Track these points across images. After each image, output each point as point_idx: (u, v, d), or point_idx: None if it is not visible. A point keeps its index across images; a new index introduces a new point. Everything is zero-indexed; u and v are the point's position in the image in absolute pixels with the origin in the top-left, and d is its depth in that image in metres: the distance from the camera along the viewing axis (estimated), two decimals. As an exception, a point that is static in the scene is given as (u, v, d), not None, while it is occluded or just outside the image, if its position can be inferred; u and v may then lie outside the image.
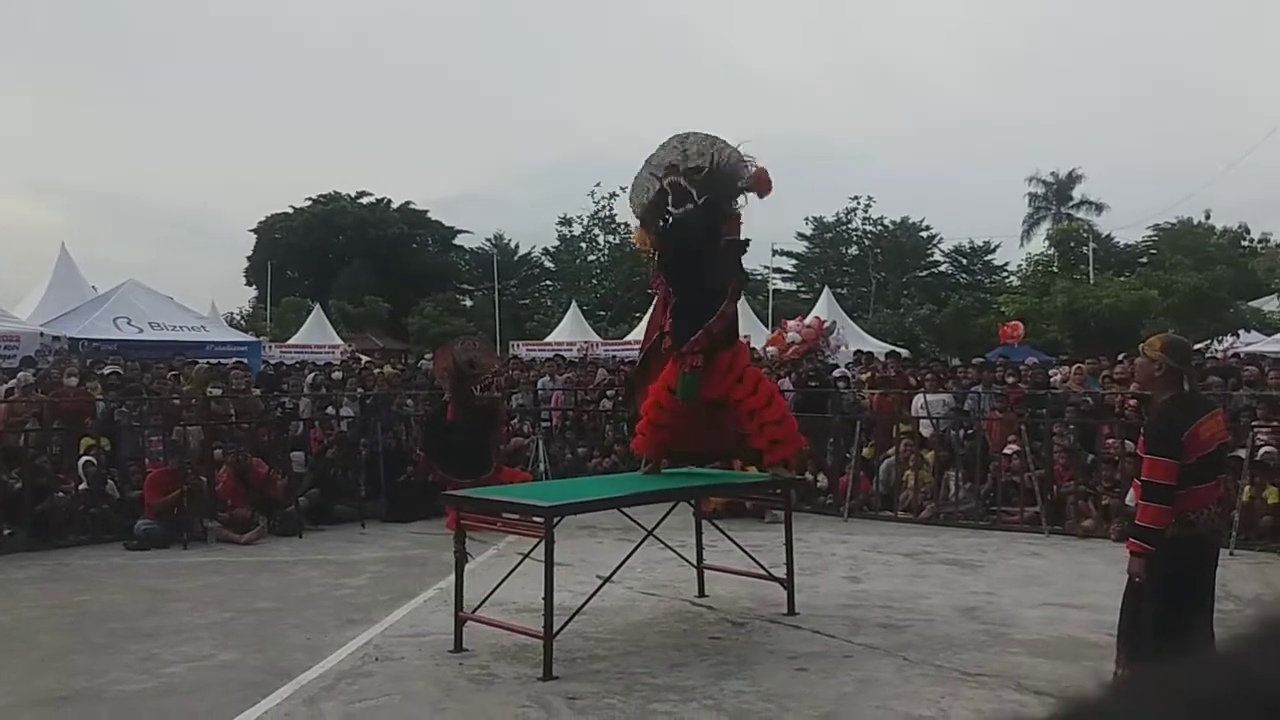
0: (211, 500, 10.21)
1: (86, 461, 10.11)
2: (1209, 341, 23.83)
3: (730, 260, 6.82)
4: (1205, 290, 25.27)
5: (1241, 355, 17.20)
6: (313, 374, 15.34)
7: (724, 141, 6.81)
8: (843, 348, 18.57)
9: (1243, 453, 9.11)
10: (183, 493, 9.81)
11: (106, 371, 12.59)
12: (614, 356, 22.34)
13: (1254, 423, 9.66)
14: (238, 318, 42.19)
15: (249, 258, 51.01)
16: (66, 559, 9.08)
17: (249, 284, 51.14)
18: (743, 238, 6.86)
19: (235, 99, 77.18)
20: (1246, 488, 9.05)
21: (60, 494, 9.85)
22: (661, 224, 6.79)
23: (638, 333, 29.67)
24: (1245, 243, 42.43)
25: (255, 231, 51.09)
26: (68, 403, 10.87)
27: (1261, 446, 9.38)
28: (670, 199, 6.72)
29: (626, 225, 48.20)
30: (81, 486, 9.95)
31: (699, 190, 6.63)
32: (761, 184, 6.72)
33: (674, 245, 6.84)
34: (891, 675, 5.47)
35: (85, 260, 23.33)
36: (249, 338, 23.65)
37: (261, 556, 9.23)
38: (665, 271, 6.92)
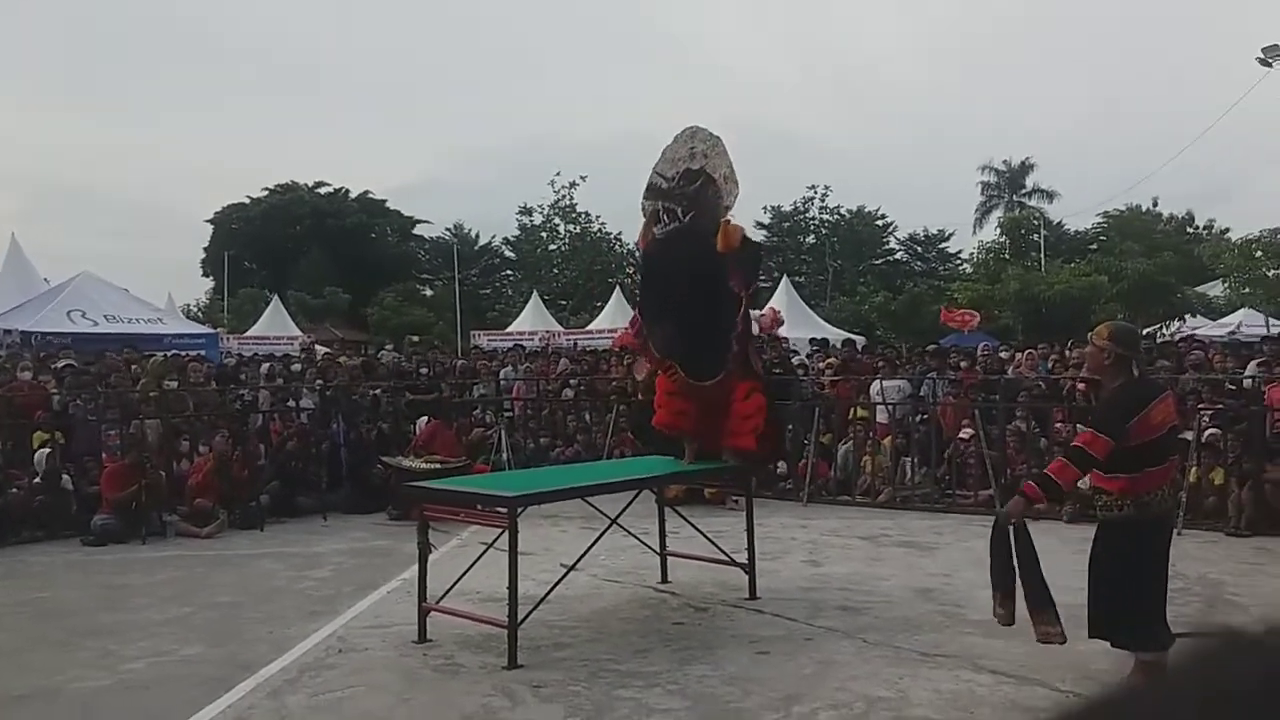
0: (171, 494, 10.12)
1: (45, 455, 9.97)
2: (1158, 326, 24.33)
3: (737, 270, 6.74)
4: (1153, 276, 25.78)
5: (1190, 339, 17.58)
6: (268, 365, 15.22)
7: (724, 148, 6.84)
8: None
9: (1189, 435, 9.35)
10: (141, 487, 9.70)
11: (60, 365, 12.38)
12: (575, 345, 22.36)
13: (1200, 405, 9.91)
14: (195, 310, 41.55)
15: (205, 249, 50.33)
16: (22, 556, 8.95)
17: (206, 275, 50.45)
18: (740, 239, 6.76)
19: (190, 88, 75.91)
20: (1194, 469, 9.30)
21: (15, 490, 9.70)
22: (643, 252, 6.89)
23: (599, 321, 29.73)
24: (1191, 230, 43.36)
25: (212, 222, 50.38)
26: (22, 397, 10.70)
27: (1207, 429, 9.62)
28: (659, 220, 6.75)
29: (587, 214, 48.29)
30: (36, 480, 9.80)
31: (687, 206, 6.64)
32: (730, 238, 6.65)
33: (661, 270, 6.90)
34: (851, 657, 5.58)
35: (37, 252, 22.81)
36: (207, 330, 23.28)
37: (222, 550, 9.16)
38: (654, 298, 6.93)
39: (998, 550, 5.04)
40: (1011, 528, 5.00)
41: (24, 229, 44.58)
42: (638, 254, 7.39)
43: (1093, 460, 4.81)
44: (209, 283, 49.51)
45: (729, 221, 6.80)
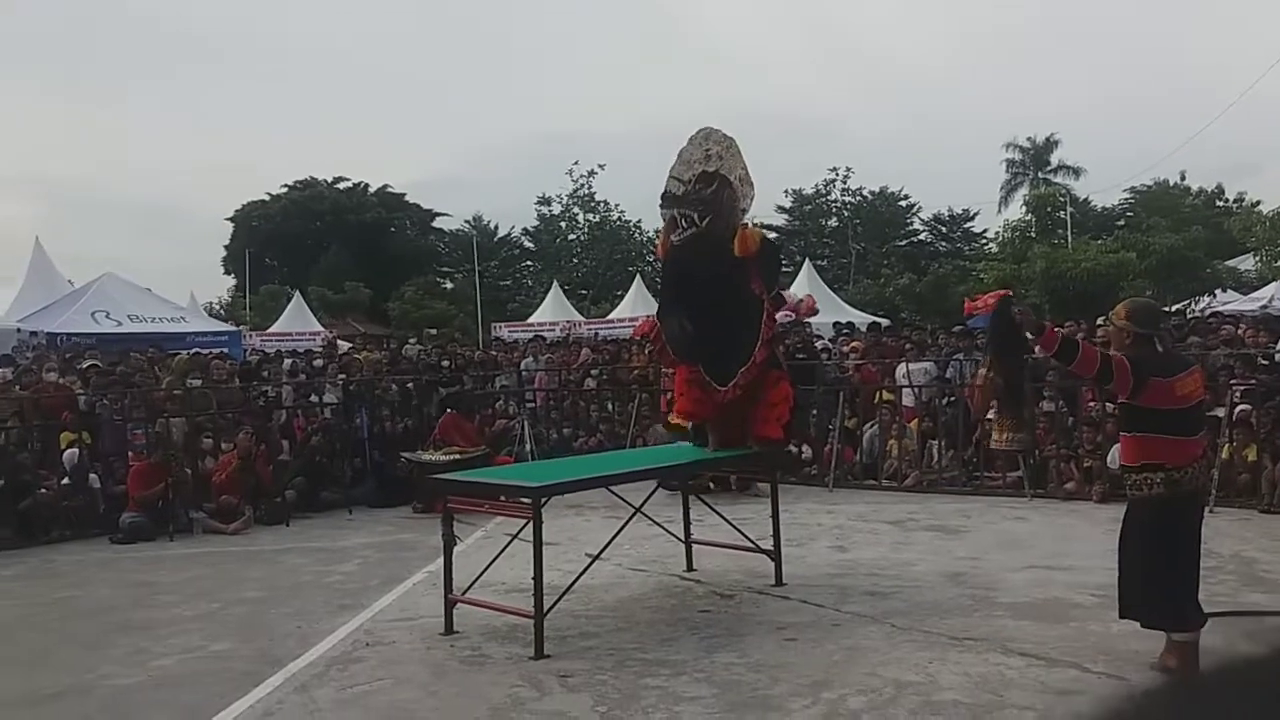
0: (197, 491, 10.19)
1: (72, 454, 10.06)
2: (1187, 302, 24.00)
3: (758, 274, 6.69)
4: (1182, 251, 25.40)
5: (1219, 314, 17.33)
6: (290, 361, 15.30)
7: (738, 149, 6.79)
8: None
9: (1221, 411, 9.21)
10: (167, 485, 9.77)
11: (85, 365, 12.49)
12: (597, 335, 22.33)
13: (1232, 381, 9.75)
14: (217, 307, 41.83)
15: (226, 246, 50.72)
16: (52, 555, 9.04)
17: (227, 273, 50.89)
18: (759, 242, 6.70)
19: (209, 88, 76.35)
20: (1226, 446, 9.16)
21: (43, 490, 9.79)
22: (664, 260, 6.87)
23: (620, 310, 29.71)
24: (1220, 203, 42.75)
25: (232, 220, 50.72)
26: (48, 398, 10.79)
27: (1239, 405, 9.47)
28: (676, 225, 6.69)
29: (606, 203, 48.28)
30: (64, 481, 9.90)
31: (703, 210, 6.58)
32: (748, 243, 6.61)
33: (680, 275, 6.85)
34: (879, 642, 5.53)
35: (60, 254, 23.04)
36: (229, 327, 23.49)
37: (249, 546, 9.22)
38: (673, 304, 6.91)
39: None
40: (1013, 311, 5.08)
41: (46, 233, 45.14)
42: (658, 260, 7.32)
43: (1114, 372, 4.70)
44: (230, 280, 50.00)
45: (746, 226, 6.74)
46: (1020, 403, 4.99)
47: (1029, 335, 5.13)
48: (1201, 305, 23.40)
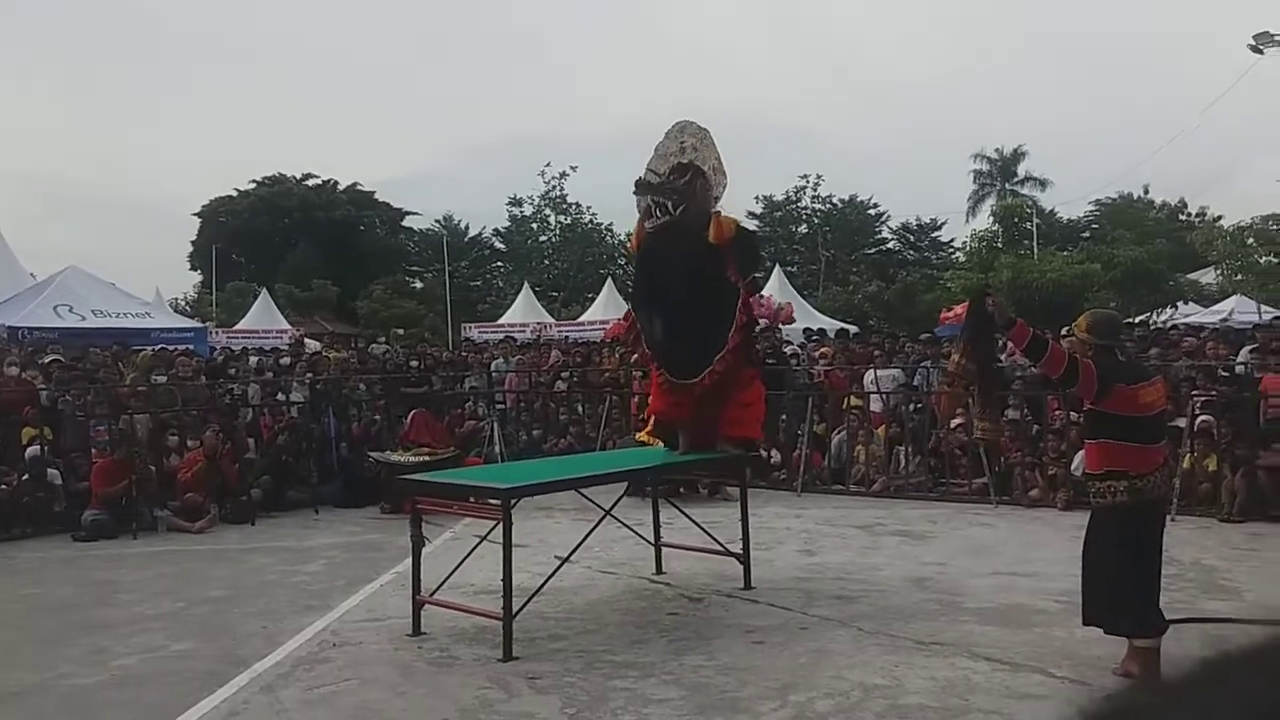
0: (162, 489, 10.07)
1: (33, 450, 9.90)
2: (1150, 314, 24.38)
3: (733, 261, 6.73)
4: (1145, 264, 25.82)
5: (1180, 327, 17.62)
6: (257, 359, 15.16)
7: (712, 140, 6.83)
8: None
9: (1183, 422, 9.36)
10: (131, 482, 9.65)
11: (48, 360, 12.30)
12: (567, 337, 22.31)
13: (1193, 392, 9.91)
14: (183, 303, 41.34)
15: (193, 242, 50.04)
16: (12, 552, 8.90)
17: (193, 269, 50.18)
18: (734, 229, 6.75)
19: (177, 81, 75.47)
20: (1187, 456, 9.31)
21: (3, 486, 9.63)
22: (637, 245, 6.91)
23: (591, 313, 29.68)
24: (1183, 217, 43.44)
25: (199, 215, 50.06)
26: (9, 393, 10.62)
27: (1200, 415, 9.63)
28: (650, 214, 6.72)
29: (578, 205, 48.21)
30: (25, 476, 9.74)
31: (677, 199, 6.61)
32: (722, 229, 6.67)
33: (654, 265, 6.87)
34: (846, 645, 5.57)
35: (22, 247, 22.70)
36: (195, 324, 23.18)
37: (214, 545, 9.12)
38: (647, 292, 6.91)
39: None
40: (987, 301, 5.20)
41: (8, 224, 44.39)
42: (630, 249, 7.34)
43: (1080, 374, 4.79)
44: (197, 276, 49.31)
45: (719, 213, 6.78)
46: (995, 385, 5.10)
47: (1000, 327, 5.20)
48: (1164, 317, 23.77)
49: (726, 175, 6.86)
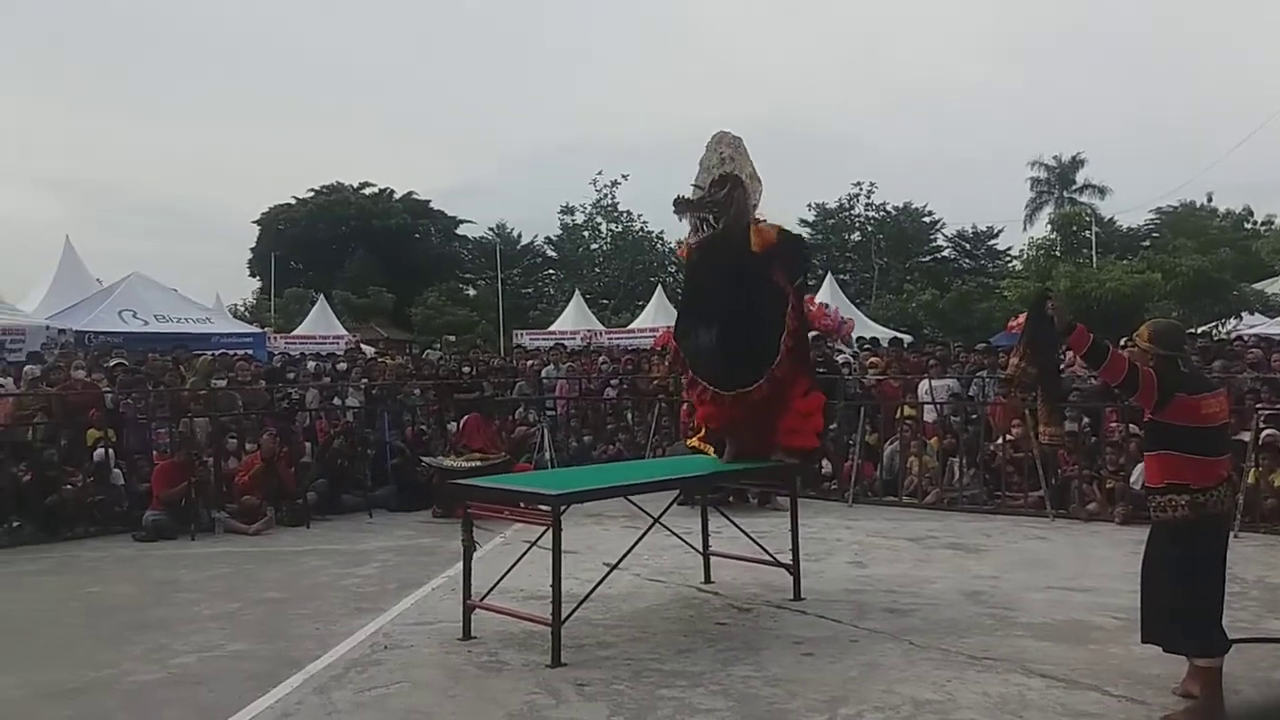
0: (219, 491, 10.27)
1: (99, 453, 10.16)
2: (1213, 324, 23.76)
3: (779, 267, 6.70)
4: (1208, 273, 25.16)
5: (1245, 338, 17.15)
6: (314, 364, 15.40)
7: (745, 148, 6.84)
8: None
9: (1247, 436, 9.12)
10: (191, 484, 9.86)
11: (112, 364, 12.62)
12: (618, 345, 22.37)
13: (1258, 405, 9.65)
14: (242, 309, 42.17)
15: (252, 249, 51.06)
16: (76, 551, 9.14)
17: (253, 275, 51.19)
18: (777, 233, 6.74)
19: (238, 91, 77.19)
20: (1252, 470, 9.06)
21: (69, 486, 9.89)
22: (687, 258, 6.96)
23: (641, 320, 29.72)
24: (1249, 225, 42.32)
25: (259, 223, 51.13)
26: (75, 395, 10.91)
27: (1265, 429, 9.37)
28: (696, 229, 6.75)
29: (629, 214, 48.35)
30: (90, 478, 10.00)
31: (719, 211, 6.61)
32: (765, 235, 6.67)
33: (701, 279, 6.89)
34: (897, 659, 5.50)
35: (89, 253, 23.30)
36: (254, 329, 23.63)
37: (269, 547, 9.28)
38: (693, 306, 6.95)
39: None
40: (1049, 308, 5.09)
41: (76, 232, 45.62)
42: (680, 256, 7.36)
43: (1140, 383, 4.68)
44: (256, 283, 50.33)
45: (759, 221, 6.76)
46: (1058, 391, 5.01)
47: (1060, 331, 5.10)
48: (1228, 328, 23.15)
49: (762, 182, 6.85)
